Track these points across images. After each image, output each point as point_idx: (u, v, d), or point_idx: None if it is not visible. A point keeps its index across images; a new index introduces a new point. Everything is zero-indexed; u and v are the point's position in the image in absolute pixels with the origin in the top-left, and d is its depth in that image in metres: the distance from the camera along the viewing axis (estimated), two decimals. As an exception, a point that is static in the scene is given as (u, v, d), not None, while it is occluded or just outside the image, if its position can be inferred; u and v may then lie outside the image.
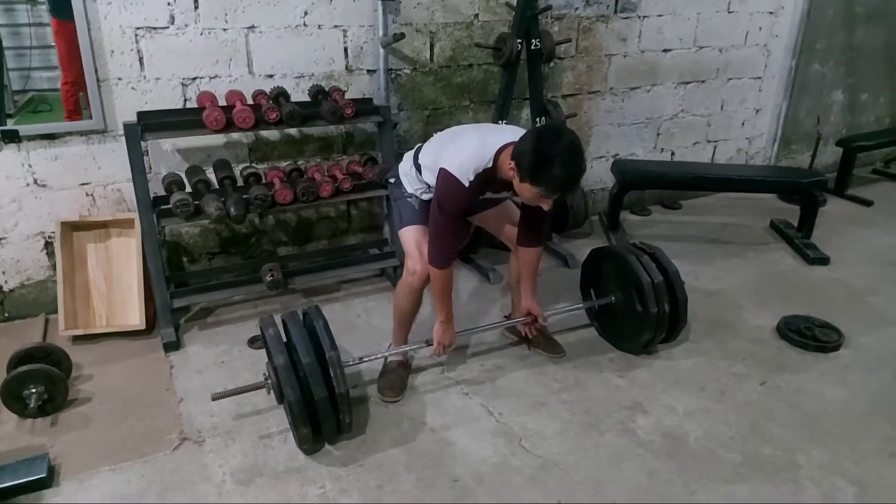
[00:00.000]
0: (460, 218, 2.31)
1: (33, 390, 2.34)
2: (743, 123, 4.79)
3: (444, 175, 2.19)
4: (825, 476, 2.20)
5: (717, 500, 2.09)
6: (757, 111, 4.81)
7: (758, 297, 3.41)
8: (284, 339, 2.22)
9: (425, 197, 2.45)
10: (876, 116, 5.47)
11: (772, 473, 2.21)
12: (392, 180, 2.58)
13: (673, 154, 4.57)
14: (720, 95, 4.57)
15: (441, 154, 2.27)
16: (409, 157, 2.52)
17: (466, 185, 2.17)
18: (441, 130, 2.52)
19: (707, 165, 4.64)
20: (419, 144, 2.51)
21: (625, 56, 4.05)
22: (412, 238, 2.45)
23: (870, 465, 2.25)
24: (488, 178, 2.21)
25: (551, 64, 3.72)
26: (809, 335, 2.97)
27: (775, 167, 4.94)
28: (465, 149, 2.21)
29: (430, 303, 2.62)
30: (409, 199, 2.49)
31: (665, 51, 4.19)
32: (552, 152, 2.01)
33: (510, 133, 2.26)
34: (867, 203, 4.75)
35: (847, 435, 2.40)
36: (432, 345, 2.53)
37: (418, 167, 2.42)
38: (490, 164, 2.19)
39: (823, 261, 3.80)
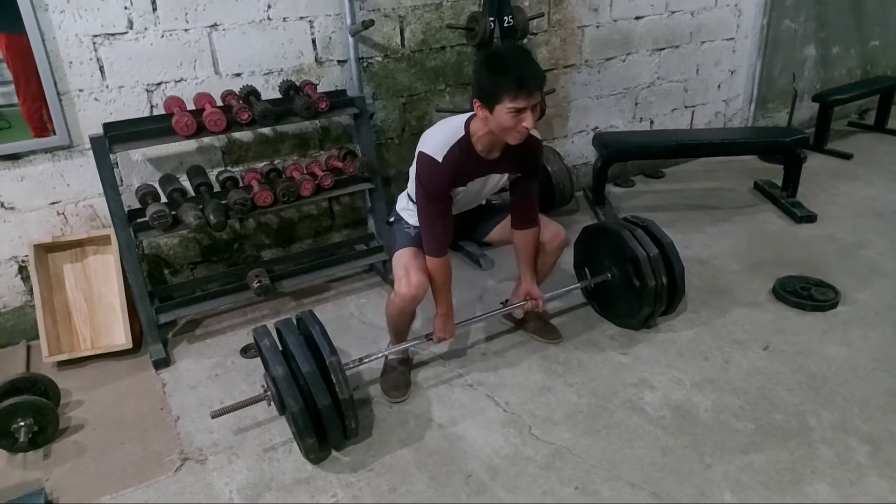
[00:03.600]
0: (445, 199, 2.25)
1: (22, 423, 2.24)
2: (719, 86, 4.76)
3: (420, 158, 2.21)
4: (837, 437, 2.19)
5: (733, 471, 2.07)
6: (732, 72, 4.78)
7: (750, 260, 3.39)
8: (280, 348, 2.15)
9: None
10: (848, 69, 5.47)
11: (785, 439, 2.20)
12: (391, 220, 2.58)
13: (652, 123, 4.53)
14: (695, 59, 4.52)
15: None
16: (402, 196, 2.55)
17: (440, 160, 2.15)
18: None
19: (689, 132, 4.61)
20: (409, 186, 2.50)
21: (598, 27, 3.98)
22: (401, 261, 2.39)
23: (879, 422, 2.24)
24: (465, 152, 2.19)
25: (525, 40, 3.63)
26: (806, 295, 2.97)
27: (755, 128, 4.93)
28: (438, 131, 2.25)
29: (426, 300, 2.55)
30: (406, 228, 2.47)
31: (637, 18, 4.12)
32: (502, 62, 2.01)
33: None
34: (847, 156, 4.76)
35: (854, 393, 2.39)
36: (432, 339, 2.47)
37: (413, 199, 2.40)
38: (463, 133, 2.18)
39: (811, 218, 3.80)
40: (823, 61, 5.26)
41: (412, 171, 2.35)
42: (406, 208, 2.50)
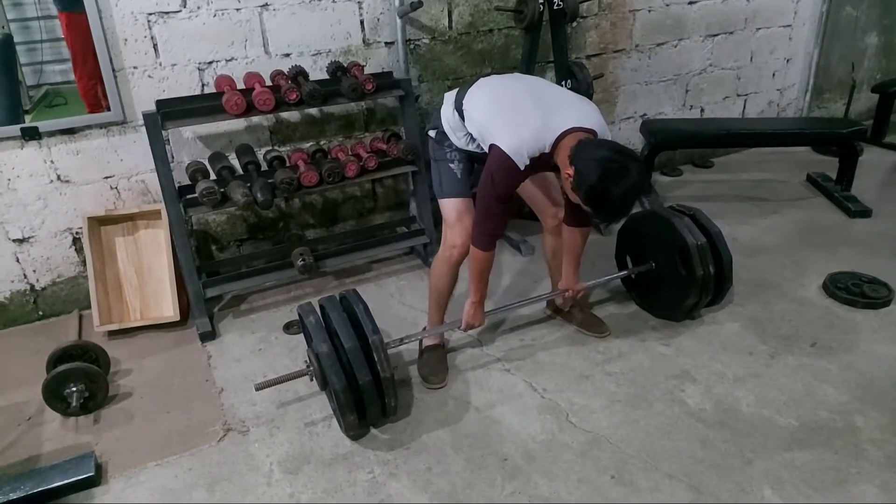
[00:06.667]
0: (510, 198, 2.20)
1: (74, 389, 2.33)
2: (773, 74, 4.61)
3: (497, 155, 2.06)
4: (886, 438, 2.13)
5: (775, 468, 2.03)
6: (787, 61, 4.63)
7: (800, 254, 3.30)
8: (324, 325, 2.18)
9: (471, 147, 2.31)
10: (912, 59, 5.25)
11: (830, 438, 2.15)
12: (432, 133, 2.42)
13: (702, 111, 4.43)
14: (749, 46, 4.39)
15: (495, 124, 2.13)
16: (449, 98, 2.36)
17: (522, 168, 2.06)
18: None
19: (740, 121, 4.49)
20: (460, 88, 2.35)
21: (649, 10, 3.90)
22: (454, 209, 2.35)
23: (932, 425, 2.17)
24: (543, 160, 2.10)
25: (574, 24, 3.58)
26: (858, 292, 2.88)
27: (810, 118, 4.77)
28: (524, 129, 2.06)
29: (465, 279, 2.55)
30: (451, 165, 2.36)
31: (691, 3, 4.02)
32: (614, 191, 1.95)
33: (572, 108, 2.14)
34: (906, 150, 4.58)
35: (906, 394, 2.32)
36: (460, 326, 2.45)
37: (461, 112, 2.28)
38: (548, 150, 2.08)
39: (865, 213, 3.67)
40: (886, 50, 5.05)
41: (474, 90, 2.26)
42: (451, 119, 2.31)
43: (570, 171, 2.01)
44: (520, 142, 2.05)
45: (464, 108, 2.26)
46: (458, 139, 2.33)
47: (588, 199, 2.01)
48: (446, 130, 2.34)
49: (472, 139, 2.29)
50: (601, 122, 2.16)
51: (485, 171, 2.13)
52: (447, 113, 2.34)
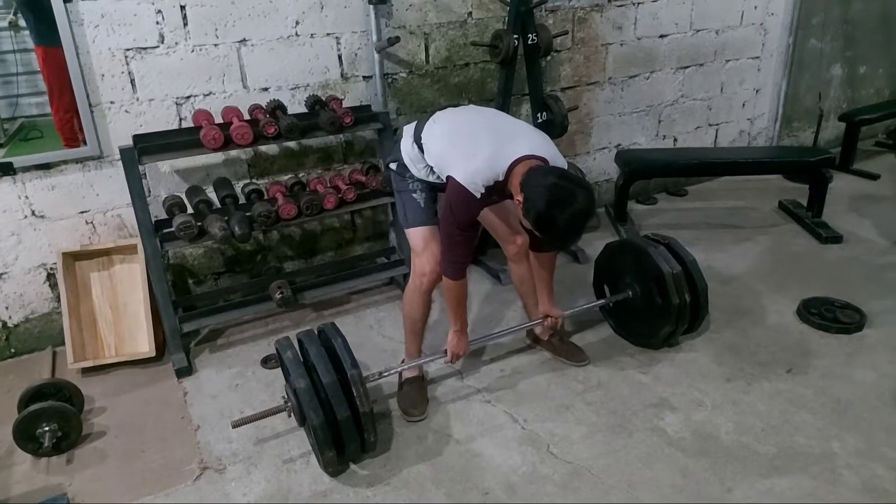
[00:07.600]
0: (473, 227, 2.24)
1: (46, 429, 2.28)
2: (744, 104, 4.73)
3: (454, 186, 2.11)
4: (863, 463, 2.15)
5: (755, 496, 2.04)
6: (757, 91, 4.75)
7: (774, 280, 3.35)
8: (302, 360, 2.16)
9: (431, 178, 2.35)
10: (876, 89, 5.41)
11: (808, 464, 2.16)
12: (393, 166, 2.45)
13: (675, 140, 4.51)
14: (719, 78, 4.50)
15: (450, 155, 2.18)
16: (408, 131, 2.39)
17: (478, 196, 2.09)
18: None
19: (713, 150, 4.58)
20: (418, 121, 2.38)
21: (622, 44, 3.99)
22: (420, 238, 2.37)
23: (907, 449, 2.20)
24: (498, 188, 2.13)
25: (548, 58, 3.65)
26: (831, 317, 2.92)
27: (781, 147, 4.89)
28: (478, 159, 2.10)
29: (440, 308, 2.54)
30: (413, 195, 2.39)
31: (662, 36, 4.12)
32: (561, 217, 1.97)
33: (525, 137, 2.18)
34: (874, 177, 4.69)
35: (881, 419, 2.35)
36: (446, 356, 2.46)
37: (420, 146, 2.31)
38: (501, 178, 2.11)
39: (836, 239, 3.75)
40: (850, 80, 5.21)
41: (431, 124, 2.30)
42: (410, 152, 2.35)
43: (521, 197, 2.04)
44: (474, 170, 2.08)
45: (422, 141, 2.30)
46: (418, 171, 2.36)
47: (536, 225, 2.04)
48: (407, 163, 2.38)
49: (432, 170, 2.32)
50: (553, 151, 2.19)
51: (444, 201, 2.18)
52: (406, 146, 2.38)
